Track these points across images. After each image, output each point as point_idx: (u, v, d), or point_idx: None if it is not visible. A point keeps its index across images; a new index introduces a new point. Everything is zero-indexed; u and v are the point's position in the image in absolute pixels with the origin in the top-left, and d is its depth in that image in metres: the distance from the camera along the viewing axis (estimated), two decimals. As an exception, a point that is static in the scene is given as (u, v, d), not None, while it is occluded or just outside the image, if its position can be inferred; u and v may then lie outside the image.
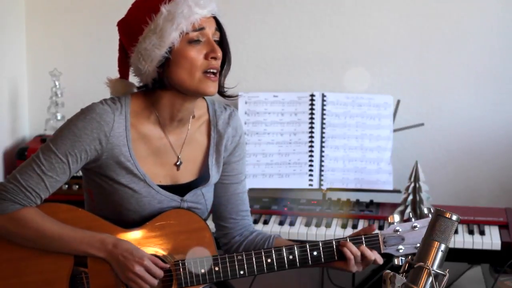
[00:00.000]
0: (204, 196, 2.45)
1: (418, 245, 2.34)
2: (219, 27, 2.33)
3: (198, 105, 2.44)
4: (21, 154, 3.43)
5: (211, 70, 2.29)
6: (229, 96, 2.41)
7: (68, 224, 2.32)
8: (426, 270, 1.78)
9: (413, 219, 2.39)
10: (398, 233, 2.39)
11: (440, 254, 1.79)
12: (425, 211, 2.40)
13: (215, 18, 2.32)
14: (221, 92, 2.38)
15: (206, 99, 2.47)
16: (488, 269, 3.31)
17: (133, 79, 2.41)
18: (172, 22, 2.24)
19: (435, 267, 1.78)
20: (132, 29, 2.31)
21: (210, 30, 2.29)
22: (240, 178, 2.52)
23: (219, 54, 2.28)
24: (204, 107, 2.46)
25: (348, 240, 2.38)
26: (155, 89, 2.34)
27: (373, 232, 2.40)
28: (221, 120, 2.46)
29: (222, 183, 2.50)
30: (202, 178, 2.45)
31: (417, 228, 2.38)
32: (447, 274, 1.79)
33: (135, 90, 2.41)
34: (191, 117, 2.42)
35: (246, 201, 2.54)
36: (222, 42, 2.34)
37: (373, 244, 2.38)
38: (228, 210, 2.52)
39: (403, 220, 2.42)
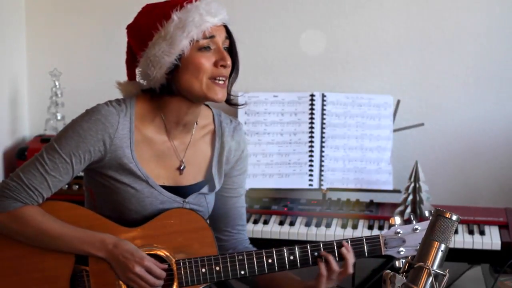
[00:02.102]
0: (206, 199, 2.45)
1: (419, 247, 2.35)
2: (229, 35, 2.33)
3: (204, 114, 2.44)
4: (21, 154, 3.44)
5: (219, 78, 2.29)
6: (235, 105, 2.42)
7: (69, 223, 2.32)
8: (426, 270, 1.78)
9: (414, 221, 2.39)
10: (399, 235, 2.39)
11: (440, 254, 1.79)
12: (426, 214, 2.40)
13: (225, 26, 2.33)
14: (227, 100, 2.39)
15: (212, 110, 2.47)
16: (488, 269, 3.31)
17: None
18: (183, 29, 2.24)
19: (435, 267, 1.78)
20: (142, 34, 2.31)
21: (220, 38, 2.30)
22: (240, 192, 2.52)
23: (229, 62, 2.29)
24: (210, 117, 2.46)
25: (349, 241, 2.38)
26: (162, 94, 2.33)
27: (374, 234, 2.40)
28: (226, 132, 2.46)
29: (221, 195, 2.50)
30: (204, 182, 2.45)
31: (418, 231, 2.37)
32: (447, 274, 1.79)
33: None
34: (195, 122, 2.42)
35: (243, 216, 2.55)
36: (232, 50, 2.35)
37: (374, 245, 2.39)
38: (224, 222, 2.52)
39: (403, 221, 2.42)
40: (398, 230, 2.39)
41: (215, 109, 2.48)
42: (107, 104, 2.33)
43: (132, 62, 2.38)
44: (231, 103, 2.41)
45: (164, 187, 2.39)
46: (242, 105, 2.45)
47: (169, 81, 2.29)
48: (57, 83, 3.62)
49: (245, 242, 2.56)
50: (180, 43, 2.25)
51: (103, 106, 2.32)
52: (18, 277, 2.32)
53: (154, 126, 2.37)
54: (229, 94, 2.38)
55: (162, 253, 2.34)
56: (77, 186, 3.36)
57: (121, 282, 2.32)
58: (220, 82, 2.30)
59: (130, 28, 2.36)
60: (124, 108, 2.33)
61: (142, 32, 2.30)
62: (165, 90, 2.31)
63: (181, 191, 2.42)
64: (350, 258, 2.36)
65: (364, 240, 2.39)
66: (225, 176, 2.49)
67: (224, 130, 2.46)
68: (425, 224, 2.37)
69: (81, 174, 2.43)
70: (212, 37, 2.28)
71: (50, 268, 2.32)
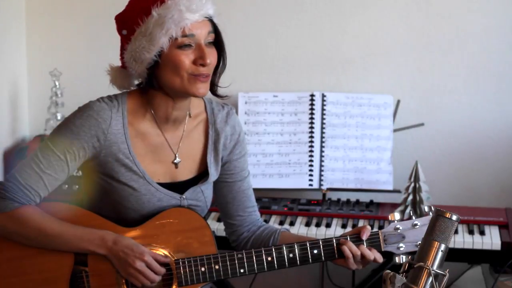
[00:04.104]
0: (204, 193, 2.45)
1: (419, 243, 2.34)
2: (215, 28, 2.31)
3: (195, 103, 2.44)
4: (21, 154, 3.43)
5: (200, 74, 2.28)
6: (220, 96, 2.41)
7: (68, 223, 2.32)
8: (426, 270, 1.78)
9: (413, 217, 2.39)
10: (399, 231, 2.38)
11: (440, 254, 1.79)
12: (426, 209, 2.40)
13: (211, 20, 2.31)
14: (213, 91, 2.38)
15: (203, 98, 2.47)
16: (488, 269, 3.31)
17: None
18: (161, 26, 2.23)
19: (435, 267, 1.79)
20: (125, 28, 2.31)
21: (202, 35, 2.27)
22: (244, 175, 2.52)
23: (208, 60, 2.26)
24: (201, 106, 2.46)
25: (348, 238, 2.38)
26: (148, 88, 2.34)
27: (374, 230, 2.40)
28: (219, 118, 2.45)
29: (226, 181, 2.50)
30: (201, 175, 2.46)
31: (417, 226, 2.37)
32: (447, 274, 1.79)
33: (135, 83, 2.40)
34: (187, 115, 2.41)
35: (251, 197, 2.54)
36: (218, 42, 2.33)
37: (374, 242, 2.38)
38: (234, 207, 2.52)
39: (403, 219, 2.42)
40: (398, 226, 2.38)
41: (207, 97, 2.47)
42: (99, 100, 2.34)
43: (123, 49, 2.38)
44: (216, 94, 2.40)
45: (161, 184, 2.39)
46: (225, 96, 2.42)
47: (150, 76, 2.30)
48: (57, 83, 3.62)
49: (258, 222, 2.55)
50: (159, 40, 2.23)
51: (94, 102, 2.33)
52: (18, 278, 2.32)
53: (146, 121, 2.37)
54: (216, 85, 2.37)
55: (161, 252, 2.34)
56: (77, 186, 3.36)
57: (121, 282, 2.32)
58: (201, 77, 2.28)
59: (117, 20, 2.36)
60: (116, 104, 2.33)
61: (126, 26, 2.31)
62: (149, 84, 2.32)
63: (178, 187, 2.41)
64: (373, 254, 2.36)
65: (364, 236, 2.39)
66: (226, 162, 2.48)
67: (216, 117, 2.45)
68: (425, 219, 2.37)
69: (80, 174, 2.43)
70: (192, 35, 2.26)
71: (49, 269, 2.32)
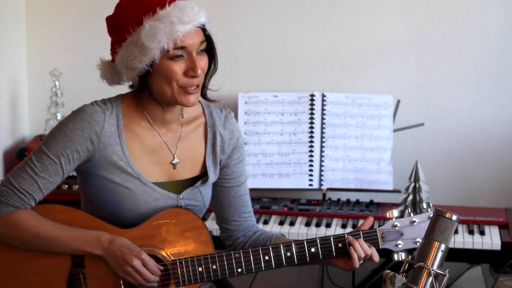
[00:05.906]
0: (202, 193, 2.45)
1: (417, 240, 2.35)
2: (207, 36, 2.30)
3: (193, 107, 2.43)
4: (21, 154, 3.43)
5: (191, 87, 2.28)
6: (209, 100, 2.40)
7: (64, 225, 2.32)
8: (426, 270, 1.78)
9: (411, 214, 2.39)
10: (397, 228, 2.38)
11: (440, 254, 1.79)
12: (424, 206, 2.40)
13: (203, 28, 2.29)
14: (202, 93, 2.37)
15: (201, 102, 2.47)
16: (488, 269, 3.31)
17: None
18: (153, 39, 2.21)
19: (435, 267, 1.79)
20: (117, 33, 2.30)
21: (194, 45, 2.26)
22: (241, 181, 2.52)
23: (199, 71, 2.26)
24: (199, 109, 2.46)
25: (347, 236, 2.38)
26: (141, 92, 2.34)
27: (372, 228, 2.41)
28: (217, 122, 2.46)
29: (223, 186, 2.50)
30: (199, 177, 2.45)
31: (415, 223, 2.37)
32: (447, 274, 1.79)
33: (124, 79, 2.38)
34: (181, 116, 2.41)
35: (248, 202, 2.54)
36: (210, 49, 2.32)
37: (372, 239, 2.39)
38: (230, 212, 2.52)
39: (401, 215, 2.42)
40: (396, 223, 2.38)
41: (204, 101, 2.47)
42: (93, 104, 2.34)
43: (113, 48, 2.36)
44: (206, 98, 2.39)
45: (158, 183, 2.39)
46: (213, 101, 2.41)
47: (141, 83, 2.30)
48: (57, 83, 3.62)
49: (253, 227, 2.55)
50: (151, 52, 2.22)
51: (88, 105, 2.33)
52: (15, 281, 2.32)
53: (142, 122, 2.37)
54: (206, 87, 2.36)
55: (158, 253, 2.34)
56: (76, 186, 3.36)
57: (118, 283, 2.32)
58: (190, 89, 2.28)
59: (108, 23, 2.34)
60: (110, 107, 2.34)
61: (117, 31, 2.29)
62: (140, 90, 2.32)
63: (176, 187, 2.41)
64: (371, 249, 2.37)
65: (361, 234, 2.39)
66: (224, 167, 2.48)
67: (215, 120, 2.45)
68: (423, 216, 2.38)
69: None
70: (183, 47, 2.25)
71: (46, 271, 2.31)
